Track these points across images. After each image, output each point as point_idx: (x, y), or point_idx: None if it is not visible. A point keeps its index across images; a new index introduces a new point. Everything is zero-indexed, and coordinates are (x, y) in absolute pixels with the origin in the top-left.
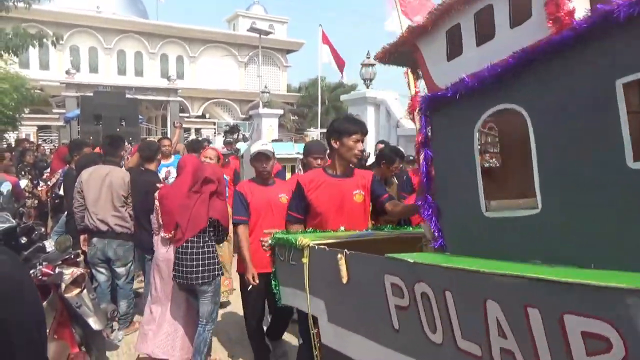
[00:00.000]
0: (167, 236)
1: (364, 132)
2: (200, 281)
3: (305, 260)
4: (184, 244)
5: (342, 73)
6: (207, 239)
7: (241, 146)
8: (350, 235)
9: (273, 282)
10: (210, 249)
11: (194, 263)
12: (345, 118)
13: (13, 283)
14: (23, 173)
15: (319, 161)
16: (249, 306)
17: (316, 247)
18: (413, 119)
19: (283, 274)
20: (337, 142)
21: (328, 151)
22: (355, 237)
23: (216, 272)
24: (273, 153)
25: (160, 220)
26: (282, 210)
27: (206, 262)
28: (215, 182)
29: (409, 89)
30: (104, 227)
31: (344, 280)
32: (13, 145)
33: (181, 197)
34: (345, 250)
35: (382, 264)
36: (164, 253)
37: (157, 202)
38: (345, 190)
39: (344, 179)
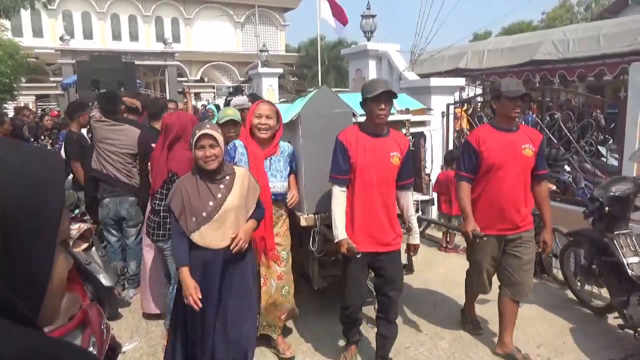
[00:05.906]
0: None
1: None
2: (150, 236)
3: None
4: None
5: (343, 25)
6: (164, 194)
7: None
8: None
9: None
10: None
11: (150, 216)
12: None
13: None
14: (42, 138)
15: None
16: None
17: None
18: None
19: None
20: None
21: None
22: None
23: (168, 232)
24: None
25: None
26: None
27: (161, 220)
28: (173, 129)
29: None
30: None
31: None
32: (13, 114)
33: (157, 155)
34: None
35: None
36: (147, 212)
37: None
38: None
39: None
